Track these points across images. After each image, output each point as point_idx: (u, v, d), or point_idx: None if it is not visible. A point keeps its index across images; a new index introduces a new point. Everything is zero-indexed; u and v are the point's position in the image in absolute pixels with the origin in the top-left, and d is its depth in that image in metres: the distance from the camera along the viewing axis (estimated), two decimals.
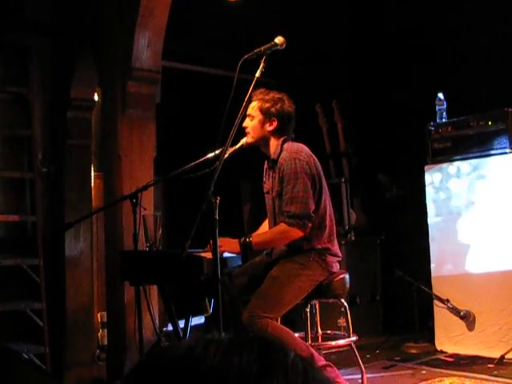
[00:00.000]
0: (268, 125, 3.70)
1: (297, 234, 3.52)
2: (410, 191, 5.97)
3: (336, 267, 3.71)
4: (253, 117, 3.71)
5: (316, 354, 3.43)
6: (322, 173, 3.71)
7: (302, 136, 3.85)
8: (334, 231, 3.78)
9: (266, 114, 3.69)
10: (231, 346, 0.71)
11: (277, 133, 3.72)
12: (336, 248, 3.74)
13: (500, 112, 4.89)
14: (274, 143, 3.73)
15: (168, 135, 5.80)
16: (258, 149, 3.83)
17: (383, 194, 6.29)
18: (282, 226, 3.53)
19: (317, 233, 3.64)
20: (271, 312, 3.41)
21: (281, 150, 3.67)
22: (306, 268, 3.57)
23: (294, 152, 3.62)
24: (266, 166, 3.90)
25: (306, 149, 3.70)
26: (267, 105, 3.68)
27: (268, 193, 3.82)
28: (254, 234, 3.69)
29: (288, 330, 3.45)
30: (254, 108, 3.71)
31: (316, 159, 3.71)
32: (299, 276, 3.55)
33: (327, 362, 3.45)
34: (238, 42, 4.84)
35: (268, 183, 3.82)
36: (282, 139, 3.72)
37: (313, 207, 3.56)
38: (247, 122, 3.72)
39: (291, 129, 3.79)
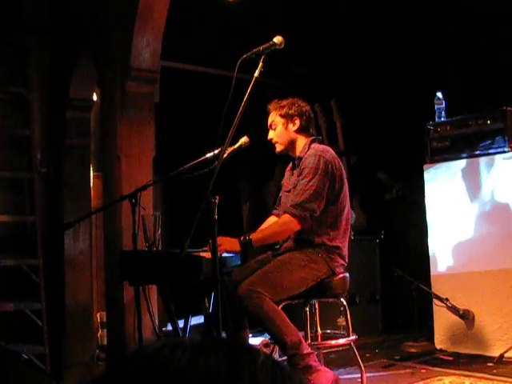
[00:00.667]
0: (292, 125, 3.81)
1: (295, 226, 3.58)
2: (409, 190, 5.98)
3: (340, 269, 3.73)
4: (275, 125, 3.83)
5: (304, 341, 3.46)
6: (344, 176, 3.78)
7: None
8: (347, 236, 3.82)
9: (287, 116, 3.81)
10: (199, 348, 0.71)
11: (302, 131, 3.83)
12: (345, 252, 3.79)
13: (499, 111, 4.89)
14: (301, 143, 3.83)
15: (167, 135, 5.80)
16: (286, 155, 3.92)
17: (382, 194, 6.29)
18: (284, 217, 3.60)
19: (328, 230, 3.69)
20: (269, 291, 3.44)
21: (308, 149, 3.77)
22: (313, 262, 3.62)
23: (320, 150, 3.73)
24: (289, 167, 3.98)
25: (331, 151, 3.79)
26: (285, 109, 3.81)
27: (289, 191, 3.87)
28: (253, 232, 3.71)
29: (282, 312, 3.48)
30: (273, 117, 3.84)
31: (341, 162, 3.80)
32: (304, 267, 3.59)
33: (311, 351, 3.48)
34: (237, 42, 4.84)
35: (290, 182, 3.88)
36: (310, 139, 3.83)
37: (321, 206, 3.61)
38: (271, 134, 3.85)
39: (313, 127, 3.91)
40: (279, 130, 3.81)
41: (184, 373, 0.68)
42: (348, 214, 3.82)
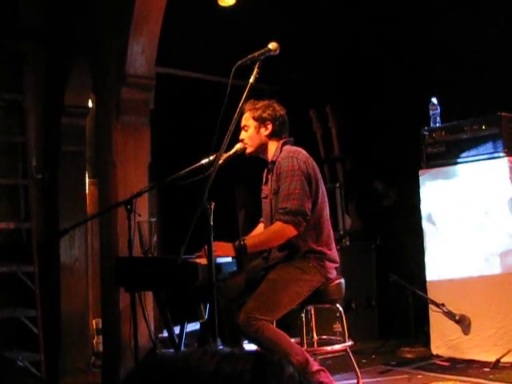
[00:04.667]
0: (264, 129, 3.76)
1: (291, 232, 3.51)
2: (405, 196, 5.98)
3: (333, 273, 3.71)
4: (248, 126, 3.77)
5: (311, 359, 3.43)
6: (319, 176, 3.74)
7: (297, 141, 3.87)
8: (332, 236, 3.79)
9: (260, 120, 3.76)
10: (227, 356, 0.73)
11: (274, 136, 3.78)
12: (334, 253, 3.74)
13: (493, 116, 4.90)
14: (272, 147, 3.78)
15: (162, 141, 5.81)
16: (257, 158, 3.86)
17: (379, 201, 6.29)
18: (277, 225, 3.54)
19: (312, 233, 3.64)
20: (268, 315, 3.41)
21: (280, 152, 3.73)
22: (305, 273, 3.57)
23: (291, 152, 3.68)
24: (265, 173, 3.93)
25: (304, 152, 3.75)
26: (259, 111, 3.76)
27: (266, 197, 3.83)
28: (248, 237, 3.69)
29: (284, 333, 3.44)
30: (246, 118, 3.78)
31: (314, 163, 3.75)
32: (298, 281, 3.55)
33: (321, 367, 3.45)
34: (232, 48, 4.85)
35: (266, 188, 3.84)
36: (281, 142, 3.78)
37: (309, 205, 3.57)
38: (243, 134, 3.79)
39: (287, 131, 3.84)
40: (251, 132, 3.76)
41: (210, 377, 0.69)
42: (328, 215, 3.77)
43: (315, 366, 3.40)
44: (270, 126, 3.75)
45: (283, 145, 3.77)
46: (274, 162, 3.73)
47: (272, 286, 3.52)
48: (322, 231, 3.69)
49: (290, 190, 3.55)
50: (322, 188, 3.74)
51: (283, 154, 3.70)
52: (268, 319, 3.40)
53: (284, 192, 3.56)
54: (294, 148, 3.76)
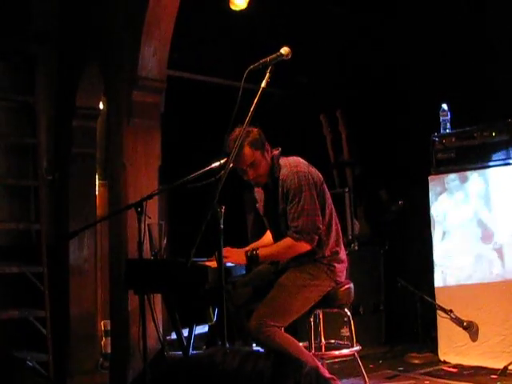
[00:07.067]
0: (266, 152, 3.64)
1: (304, 247, 3.54)
2: (414, 201, 5.98)
3: (342, 276, 3.72)
4: (256, 160, 3.59)
5: (321, 366, 3.44)
6: (322, 179, 3.71)
7: (307, 146, 3.87)
8: (341, 235, 3.80)
9: (259, 145, 3.60)
10: (248, 355, 0.77)
11: (268, 152, 3.68)
12: (343, 253, 3.76)
13: (504, 123, 4.90)
14: (267, 165, 3.66)
15: (173, 144, 5.82)
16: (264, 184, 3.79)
17: (388, 207, 6.28)
18: (289, 241, 3.54)
19: (324, 239, 3.65)
20: (278, 321, 3.42)
21: (279, 167, 3.64)
22: (315, 278, 3.59)
23: (293, 166, 3.60)
24: (256, 192, 3.87)
25: (301, 160, 3.69)
26: (251, 137, 3.56)
27: (265, 215, 3.78)
28: (261, 247, 3.68)
29: (294, 340, 3.46)
30: (249, 155, 3.57)
31: (315, 169, 3.70)
32: (308, 286, 3.57)
33: (332, 376, 3.46)
34: (243, 52, 4.87)
35: (269, 205, 3.78)
36: (270, 156, 3.66)
37: (320, 218, 3.57)
38: (249, 174, 3.62)
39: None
40: (262, 164, 3.60)
41: (234, 373, 0.74)
42: (335, 214, 3.76)
43: (326, 373, 3.40)
44: (267, 146, 3.65)
45: (277, 159, 3.66)
46: (275, 179, 3.64)
47: (283, 292, 3.54)
48: (331, 235, 3.70)
49: (298, 208, 3.52)
50: (327, 192, 3.73)
51: (284, 170, 3.60)
52: (279, 325, 3.42)
53: (293, 210, 3.54)
54: (292, 160, 3.67)
